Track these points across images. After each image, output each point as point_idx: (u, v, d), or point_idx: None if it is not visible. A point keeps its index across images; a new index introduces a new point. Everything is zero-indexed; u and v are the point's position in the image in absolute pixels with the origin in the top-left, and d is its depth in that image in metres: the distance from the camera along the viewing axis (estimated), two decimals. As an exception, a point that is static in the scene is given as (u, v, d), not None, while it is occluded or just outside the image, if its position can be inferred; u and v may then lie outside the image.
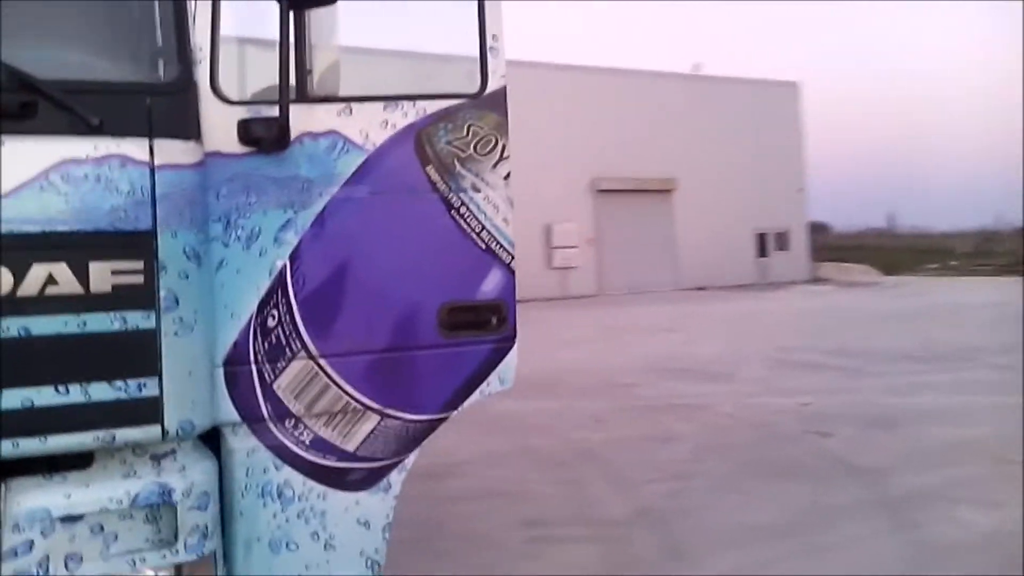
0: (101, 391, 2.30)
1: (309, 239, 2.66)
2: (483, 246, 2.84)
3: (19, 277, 2.21)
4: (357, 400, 2.74)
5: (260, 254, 2.62)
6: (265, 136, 2.56)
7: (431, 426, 2.89)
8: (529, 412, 9.42)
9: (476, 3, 2.79)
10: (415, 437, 2.87)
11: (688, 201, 31.49)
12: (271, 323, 2.64)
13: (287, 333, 2.66)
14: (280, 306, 2.65)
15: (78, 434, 2.30)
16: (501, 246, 2.86)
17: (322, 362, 2.70)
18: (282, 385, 2.66)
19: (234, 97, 2.61)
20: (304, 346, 2.67)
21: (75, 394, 2.28)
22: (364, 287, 2.74)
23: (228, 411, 2.61)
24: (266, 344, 2.64)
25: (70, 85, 2.31)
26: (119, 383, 2.32)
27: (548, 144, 28.31)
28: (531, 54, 27.90)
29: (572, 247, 29.51)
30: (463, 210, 2.81)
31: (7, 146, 2.23)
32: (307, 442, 2.72)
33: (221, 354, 2.59)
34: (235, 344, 2.61)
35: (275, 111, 2.56)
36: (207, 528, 2.47)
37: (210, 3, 2.56)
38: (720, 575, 4.73)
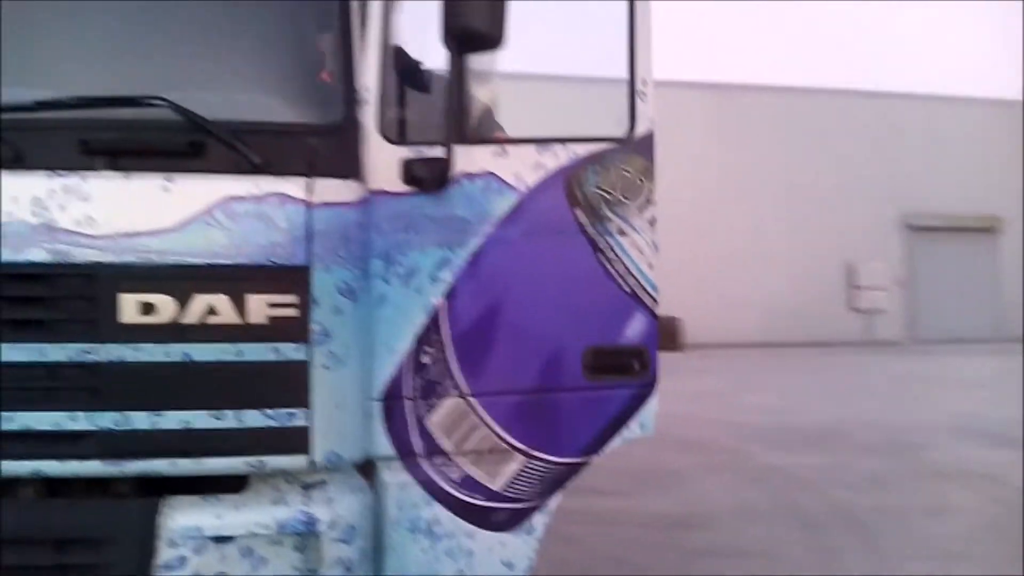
0: (253, 418, 2.44)
1: (463, 278, 2.72)
2: (628, 290, 2.81)
3: (183, 306, 2.40)
4: (505, 440, 2.77)
5: (418, 291, 2.69)
6: (427, 176, 2.64)
7: (573, 470, 2.87)
8: (800, 466, 8.83)
9: (627, 50, 2.79)
10: (558, 480, 2.85)
11: (1015, 242, 28.18)
12: (426, 360, 2.71)
13: (441, 370, 2.72)
14: (435, 343, 2.71)
15: (230, 458, 2.45)
16: (645, 291, 2.82)
17: (473, 401, 2.74)
18: (435, 422, 2.73)
19: (397, 137, 2.71)
20: (457, 384, 2.73)
21: (228, 420, 2.43)
22: (514, 327, 2.78)
23: (383, 445, 2.69)
24: (421, 381, 2.71)
25: (236, 125, 2.48)
26: (270, 412, 2.46)
27: (853, 175, 26.62)
28: (836, 81, 26.56)
29: (879, 288, 27.44)
30: (609, 254, 2.79)
31: (177, 183, 2.41)
32: (456, 480, 2.76)
33: (378, 389, 2.68)
34: (391, 379, 2.69)
35: (434, 151, 2.64)
36: (352, 561, 2.53)
37: (379, 45, 2.67)
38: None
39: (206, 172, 2.46)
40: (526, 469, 2.79)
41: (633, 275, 2.80)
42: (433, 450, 2.73)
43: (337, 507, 2.53)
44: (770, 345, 23.44)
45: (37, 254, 2.36)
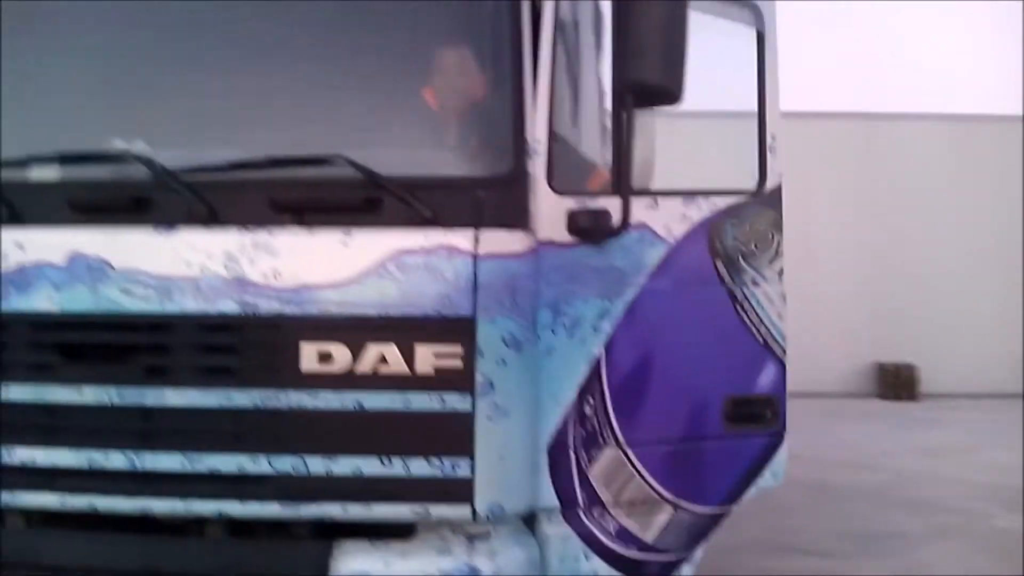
0: (418, 466, 2.52)
1: (620, 328, 2.76)
2: (761, 340, 2.85)
3: (357, 355, 2.52)
4: (655, 490, 2.80)
5: (581, 342, 2.72)
6: (593, 227, 2.68)
7: (715, 520, 2.88)
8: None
9: (757, 104, 2.86)
10: (702, 530, 2.87)
11: None
12: (587, 411, 2.75)
13: (600, 421, 2.75)
14: (595, 394, 2.75)
15: (396, 505, 2.54)
16: (776, 341, 2.86)
17: (628, 451, 2.77)
18: (595, 473, 2.76)
19: (564, 188, 2.74)
20: (615, 434, 2.76)
21: (396, 467, 2.52)
22: (663, 377, 2.82)
23: (548, 497, 2.71)
24: (583, 431, 2.74)
25: (409, 180, 2.56)
26: (435, 461, 2.52)
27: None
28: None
29: None
30: (745, 304, 2.84)
31: (354, 237, 2.55)
32: (612, 532, 2.78)
33: (543, 440, 2.69)
34: (556, 431, 2.71)
35: (598, 202, 2.69)
36: None
37: (548, 98, 2.72)
38: None
39: (380, 226, 2.55)
40: (674, 520, 2.81)
41: (766, 325, 2.85)
42: (593, 501, 2.74)
43: (500, 560, 2.55)
44: (1016, 396, 21.41)
45: (228, 305, 2.53)
